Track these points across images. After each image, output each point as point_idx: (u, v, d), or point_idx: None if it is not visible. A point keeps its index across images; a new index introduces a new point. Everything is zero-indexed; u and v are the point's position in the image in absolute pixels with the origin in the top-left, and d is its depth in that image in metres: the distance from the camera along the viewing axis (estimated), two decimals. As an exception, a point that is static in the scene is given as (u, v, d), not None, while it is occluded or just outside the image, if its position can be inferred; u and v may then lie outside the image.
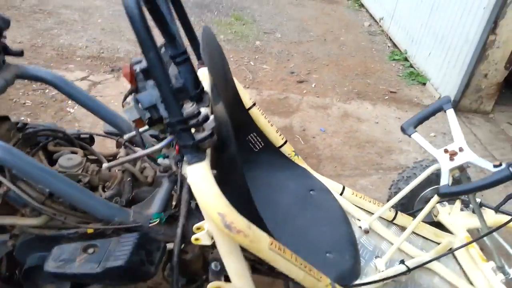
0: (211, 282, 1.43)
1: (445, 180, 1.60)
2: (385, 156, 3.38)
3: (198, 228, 1.29)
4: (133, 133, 1.41)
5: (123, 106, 1.31)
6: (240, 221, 1.11)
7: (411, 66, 4.89)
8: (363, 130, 3.68)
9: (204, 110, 1.15)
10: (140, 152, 1.37)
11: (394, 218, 2.14)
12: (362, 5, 6.87)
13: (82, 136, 1.78)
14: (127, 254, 1.27)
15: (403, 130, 1.84)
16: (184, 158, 1.15)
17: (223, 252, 1.28)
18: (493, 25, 3.67)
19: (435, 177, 2.31)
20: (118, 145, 1.77)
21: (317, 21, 6.08)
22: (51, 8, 5.15)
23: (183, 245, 1.51)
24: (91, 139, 1.81)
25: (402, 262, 1.82)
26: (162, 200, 1.48)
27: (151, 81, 1.27)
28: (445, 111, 1.79)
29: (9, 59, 1.53)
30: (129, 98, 1.31)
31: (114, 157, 1.74)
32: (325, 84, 4.37)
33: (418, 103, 4.26)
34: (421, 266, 1.79)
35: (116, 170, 1.64)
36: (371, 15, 6.48)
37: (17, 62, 1.58)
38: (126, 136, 1.55)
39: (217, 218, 1.08)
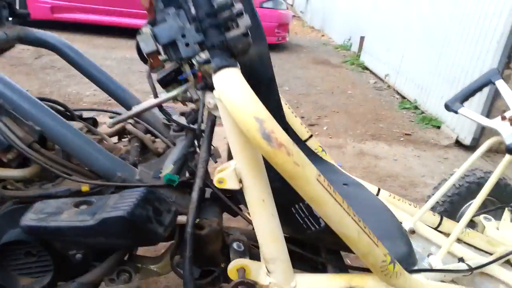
0: (233, 260, 1.13)
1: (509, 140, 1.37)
2: (409, 189, 3.11)
3: (222, 170, 1.02)
4: (143, 105, 1.19)
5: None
6: (282, 134, 0.86)
7: (422, 112, 4.78)
8: (382, 166, 3.45)
9: (238, 5, 0.95)
10: (152, 100, 1.16)
11: (439, 224, 1.84)
12: (366, 68, 6.99)
13: (84, 117, 1.56)
14: (130, 205, 0.99)
15: (447, 107, 1.64)
16: (212, 64, 0.91)
17: (254, 200, 1.00)
18: (507, 60, 3.62)
19: (477, 186, 2.08)
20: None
21: (323, 80, 6.12)
22: (62, 65, 5.19)
23: (197, 220, 1.23)
24: (94, 123, 1.59)
25: (461, 260, 1.50)
26: (176, 160, 1.23)
27: (172, 9, 1.09)
28: (494, 84, 1.60)
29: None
30: (144, 28, 1.12)
31: (118, 134, 1.51)
32: (336, 128, 4.22)
33: (436, 144, 4.07)
34: (485, 265, 1.47)
35: (122, 145, 1.41)
36: (375, 75, 6.55)
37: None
38: (134, 108, 1.35)
39: (253, 125, 0.83)
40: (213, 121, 1.19)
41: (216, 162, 1.50)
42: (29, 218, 0.96)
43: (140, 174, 1.16)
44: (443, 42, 4.56)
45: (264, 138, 0.83)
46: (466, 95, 1.63)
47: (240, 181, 1.00)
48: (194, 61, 1.05)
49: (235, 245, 1.23)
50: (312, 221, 1.15)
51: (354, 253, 1.30)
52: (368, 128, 4.31)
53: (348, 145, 3.83)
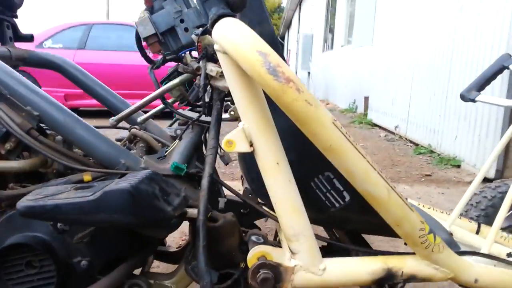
0: (252, 248, 1.02)
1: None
2: (439, 222, 2.91)
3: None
4: (147, 98, 1.18)
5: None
6: (289, 69, 0.80)
7: (439, 155, 4.67)
8: (405, 205, 3.27)
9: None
10: (154, 92, 1.14)
11: (478, 231, 1.68)
12: (374, 124, 7.02)
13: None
14: (134, 181, 0.92)
15: (463, 97, 1.58)
16: (209, 16, 0.89)
17: (268, 164, 0.92)
18: (515, 86, 3.60)
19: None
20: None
21: (333, 137, 6.11)
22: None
23: (210, 214, 1.13)
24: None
25: (510, 255, 1.34)
26: (183, 150, 1.16)
27: (169, -3, 1.11)
28: (508, 68, 1.55)
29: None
30: (142, 13, 1.13)
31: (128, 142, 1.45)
32: (353, 175, 4.11)
33: (459, 181, 3.90)
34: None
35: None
36: (385, 129, 6.55)
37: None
38: (140, 119, 1.33)
39: (257, 60, 0.78)
40: (219, 109, 1.14)
41: (227, 164, 1.43)
42: (26, 199, 0.89)
43: (145, 163, 1.09)
44: (447, 78, 4.61)
45: (270, 73, 0.78)
46: (481, 83, 1.57)
47: (251, 145, 0.92)
48: (193, 37, 1.03)
49: (253, 237, 1.11)
50: (336, 195, 1.04)
51: (385, 235, 1.17)
52: (386, 173, 4.19)
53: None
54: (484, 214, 2.01)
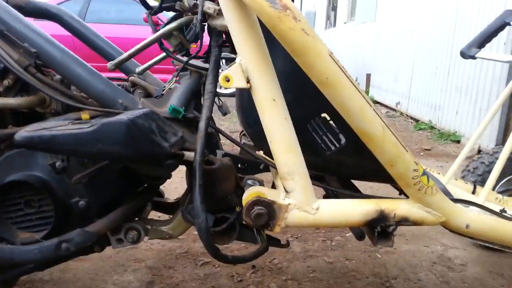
0: (248, 189, 1.03)
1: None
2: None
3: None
4: (144, 42, 1.17)
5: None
6: (286, -1, 0.80)
7: (439, 131, 4.67)
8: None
9: None
10: (152, 36, 1.13)
11: (474, 192, 1.70)
12: (376, 102, 6.98)
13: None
14: (132, 115, 0.92)
15: (463, 54, 1.57)
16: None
17: (265, 101, 0.92)
18: (518, 59, 3.56)
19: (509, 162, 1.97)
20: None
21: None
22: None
23: (206, 158, 1.14)
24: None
25: (503, 211, 1.35)
26: (181, 95, 1.16)
27: None
28: (510, 25, 1.53)
29: None
30: None
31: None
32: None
33: (457, 156, 3.90)
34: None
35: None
36: (386, 106, 6.53)
37: None
38: (139, 69, 1.32)
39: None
40: (217, 55, 1.13)
41: (224, 115, 1.43)
42: (24, 131, 0.89)
43: (143, 104, 1.10)
44: (450, 55, 4.56)
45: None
46: (482, 40, 1.56)
47: (248, 81, 0.92)
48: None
49: (249, 181, 1.13)
50: (331, 138, 1.04)
51: (378, 180, 1.18)
52: (385, 146, 4.19)
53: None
54: (481, 180, 2.02)
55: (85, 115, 1.03)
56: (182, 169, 1.16)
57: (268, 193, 1.00)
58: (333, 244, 1.98)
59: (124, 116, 0.89)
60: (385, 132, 0.91)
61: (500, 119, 3.75)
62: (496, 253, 1.90)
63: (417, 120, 5.32)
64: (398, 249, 1.94)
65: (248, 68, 0.90)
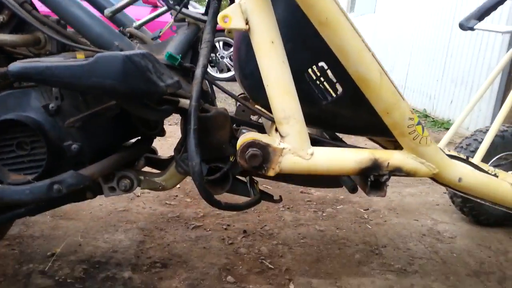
0: (244, 134, 1.03)
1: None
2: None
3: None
4: (142, 20, 1.16)
5: None
6: None
7: (433, 120, 4.69)
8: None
9: None
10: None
11: (466, 163, 1.71)
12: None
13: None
14: (128, 52, 0.91)
15: (461, 26, 1.57)
16: None
17: (263, 43, 0.91)
18: (515, 48, 3.58)
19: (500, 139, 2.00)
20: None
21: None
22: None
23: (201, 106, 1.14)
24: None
25: (495, 176, 1.36)
26: (178, 44, 1.15)
27: None
28: (510, -1, 1.54)
29: None
30: None
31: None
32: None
33: (451, 142, 3.92)
34: None
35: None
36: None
37: None
38: (136, 24, 1.31)
39: None
40: (216, 7, 1.13)
41: (221, 71, 1.43)
42: (18, 62, 0.88)
43: (139, 49, 1.09)
44: (447, 45, 4.58)
45: None
46: (481, 13, 1.56)
47: (247, 23, 0.91)
48: None
49: (244, 131, 1.13)
50: (328, 87, 1.04)
51: (373, 134, 1.19)
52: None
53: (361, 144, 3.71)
54: (473, 156, 2.03)
55: (80, 55, 1.02)
56: (176, 135, 1.15)
57: (263, 138, 1.00)
58: (324, 214, 1.99)
59: (120, 53, 0.89)
60: (383, 78, 0.91)
61: (496, 100, 3.79)
62: (485, 228, 1.93)
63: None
64: (389, 222, 1.95)
65: (248, 9, 0.90)
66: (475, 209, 1.91)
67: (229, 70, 6.04)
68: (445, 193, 2.32)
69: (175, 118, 4.00)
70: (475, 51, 4.07)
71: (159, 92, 0.94)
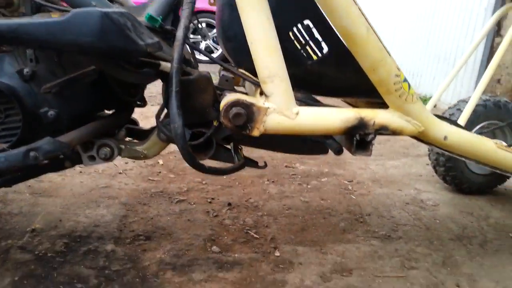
0: (225, 96, 1.00)
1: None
2: (410, 148, 2.97)
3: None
4: None
5: None
6: None
7: (415, 97, 4.74)
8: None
9: None
10: None
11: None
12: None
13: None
14: (106, 9, 0.87)
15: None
16: None
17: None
18: (496, 28, 3.60)
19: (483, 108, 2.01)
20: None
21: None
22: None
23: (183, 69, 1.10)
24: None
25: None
26: (159, 6, 1.11)
27: None
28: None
29: None
30: None
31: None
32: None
33: (432, 118, 3.97)
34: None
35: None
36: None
37: None
38: None
39: None
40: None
41: (204, 37, 1.39)
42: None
43: (118, 9, 1.04)
44: (431, 21, 4.59)
45: None
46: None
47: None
48: None
49: (226, 93, 1.10)
50: (314, 46, 1.02)
51: (358, 96, 1.18)
52: (362, 110, 4.22)
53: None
54: (456, 125, 2.05)
55: (55, 16, 0.97)
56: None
57: (247, 98, 0.98)
58: (309, 187, 1.98)
59: (97, 9, 0.84)
60: (369, 34, 0.89)
61: (477, 79, 3.82)
62: (467, 196, 1.95)
63: (394, 88, 5.37)
64: (372, 192, 1.96)
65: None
66: (457, 177, 1.93)
67: (212, 52, 5.94)
68: (427, 164, 2.34)
69: (158, 99, 3.93)
70: (457, 27, 4.09)
71: (138, 50, 0.90)
